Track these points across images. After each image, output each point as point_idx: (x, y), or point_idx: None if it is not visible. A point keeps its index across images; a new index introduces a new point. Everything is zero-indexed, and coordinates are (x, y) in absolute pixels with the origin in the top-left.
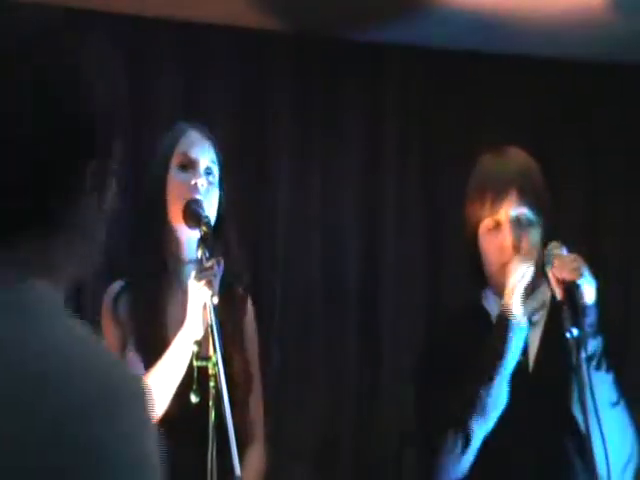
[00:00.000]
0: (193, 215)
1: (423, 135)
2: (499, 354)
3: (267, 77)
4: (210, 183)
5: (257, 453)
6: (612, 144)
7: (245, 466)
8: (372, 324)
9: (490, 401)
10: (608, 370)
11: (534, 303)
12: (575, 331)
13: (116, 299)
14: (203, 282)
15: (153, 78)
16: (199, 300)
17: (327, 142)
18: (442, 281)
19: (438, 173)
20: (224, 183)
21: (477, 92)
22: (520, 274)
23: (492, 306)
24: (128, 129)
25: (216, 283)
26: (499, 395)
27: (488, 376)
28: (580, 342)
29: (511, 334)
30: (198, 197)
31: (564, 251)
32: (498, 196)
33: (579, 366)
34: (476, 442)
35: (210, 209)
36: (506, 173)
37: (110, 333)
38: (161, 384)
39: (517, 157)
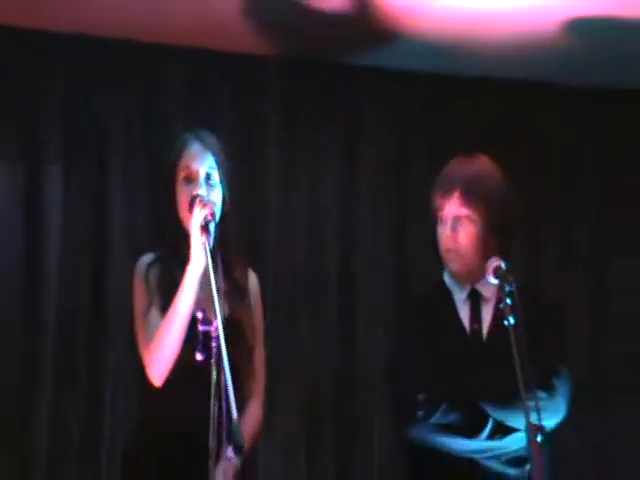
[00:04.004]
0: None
1: (395, 146)
2: None
3: (259, 97)
4: (210, 186)
5: (256, 404)
6: (557, 161)
7: (245, 415)
8: (349, 303)
9: None
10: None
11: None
12: (509, 301)
13: (148, 268)
14: (203, 216)
15: (161, 96)
16: (199, 237)
17: (312, 147)
18: (408, 267)
19: (408, 178)
20: (226, 184)
21: (442, 110)
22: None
23: (450, 282)
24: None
25: (215, 215)
26: None
27: None
28: (513, 309)
29: None
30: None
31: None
32: (445, 194)
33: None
34: None
35: (214, 207)
36: (457, 175)
37: (139, 294)
38: (176, 313)
39: (474, 162)
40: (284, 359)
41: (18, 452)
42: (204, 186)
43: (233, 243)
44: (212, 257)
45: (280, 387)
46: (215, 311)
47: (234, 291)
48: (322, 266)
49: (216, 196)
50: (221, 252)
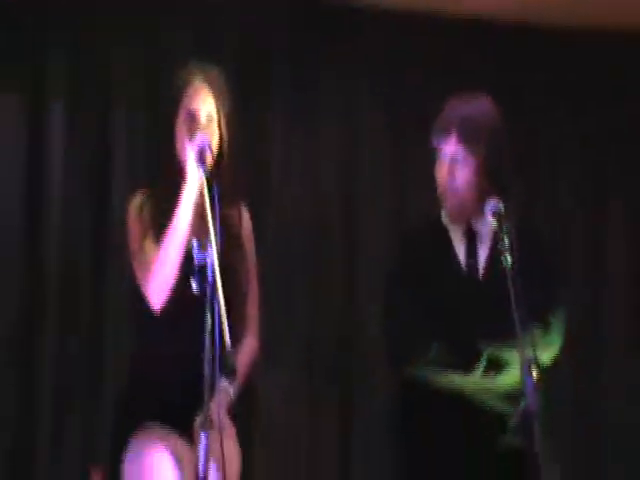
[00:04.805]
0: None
1: (395, 86)
2: None
3: (263, 38)
4: (210, 123)
5: (251, 342)
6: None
7: (239, 351)
8: (350, 244)
9: None
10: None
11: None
12: (506, 241)
13: (142, 203)
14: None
15: (164, 33)
16: (195, 160)
17: (315, 90)
18: (408, 208)
19: (409, 119)
20: (226, 123)
21: (442, 50)
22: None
23: (446, 221)
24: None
25: (212, 146)
26: None
27: None
28: (510, 249)
29: None
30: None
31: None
32: (443, 134)
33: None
34: None
35: (212, 146)
36: (454, 115)
37: (134, 227)
38: (173, 237)
39: (472, 103)
40: (284, 307)
41: (23, 388)
42: (204, 122)
43: (228, 184)
44: (208, 186)
45: (280, 335)
46: (210, 239)
47: (228, 237)
48: (323, 214)
49: (215, 133)
50: (217, 192)
